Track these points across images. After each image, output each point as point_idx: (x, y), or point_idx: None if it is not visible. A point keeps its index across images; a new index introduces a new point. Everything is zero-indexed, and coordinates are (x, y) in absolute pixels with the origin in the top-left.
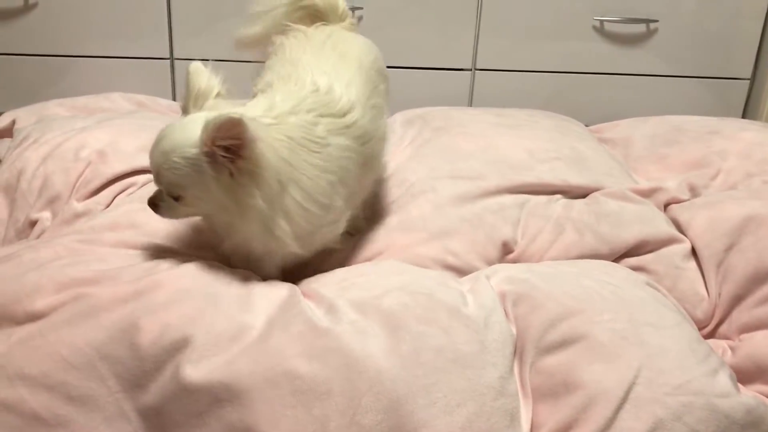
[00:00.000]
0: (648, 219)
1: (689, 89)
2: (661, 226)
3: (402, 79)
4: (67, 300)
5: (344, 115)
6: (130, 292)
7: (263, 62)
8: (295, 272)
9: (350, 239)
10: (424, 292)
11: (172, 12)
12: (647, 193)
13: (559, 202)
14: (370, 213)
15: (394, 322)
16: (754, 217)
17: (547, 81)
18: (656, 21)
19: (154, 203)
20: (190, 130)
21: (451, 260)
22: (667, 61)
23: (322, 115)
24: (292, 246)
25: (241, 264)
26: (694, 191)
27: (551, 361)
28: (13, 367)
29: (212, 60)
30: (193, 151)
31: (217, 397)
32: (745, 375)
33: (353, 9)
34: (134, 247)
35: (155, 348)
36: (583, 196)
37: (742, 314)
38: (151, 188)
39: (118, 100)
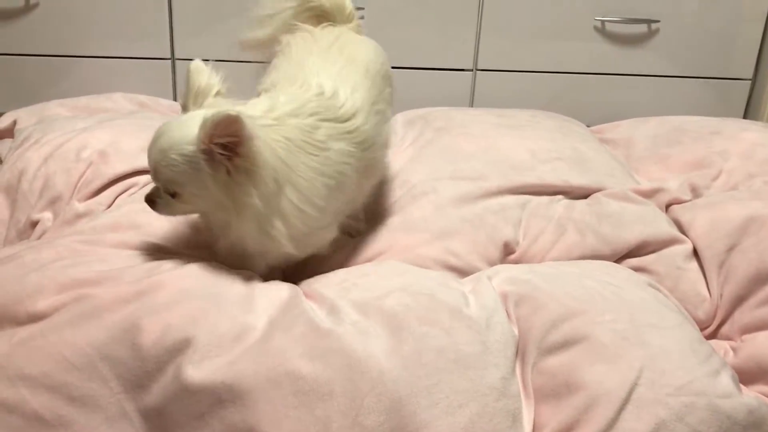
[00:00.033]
0: (649, 220)
1: (690, 90)
2: (663, 227)
3: (403, 79)
4: (68, 300)
5: (346, 120)
6: (131, 293)
7: (265, 63)
8: (296, 273)
9: (351, 241)
10: (425, 293)
11: (174, 12)
12: (649, 194)
13: (561, 202)
14: (371, 214)
15: (395, 322)
16: (756, 217)
17: (549, 81)
18: (657, 21)
19: (151, 199)
20: (188, 128)
21: (452, 261)
22: (668, 61)
23: (323, 120)
24: (286, 246)
25: (236, 262)
26: (695, 192)
27: (553, 361)
28: (15, 367)
29: (213, 60)
30: (191, 148)
31: (219, 397)
32: (746, 376)
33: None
34: (136, 247)
35: (157, 348)
36: (585, 196)
37: (744, 315)
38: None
39: (119, 100)
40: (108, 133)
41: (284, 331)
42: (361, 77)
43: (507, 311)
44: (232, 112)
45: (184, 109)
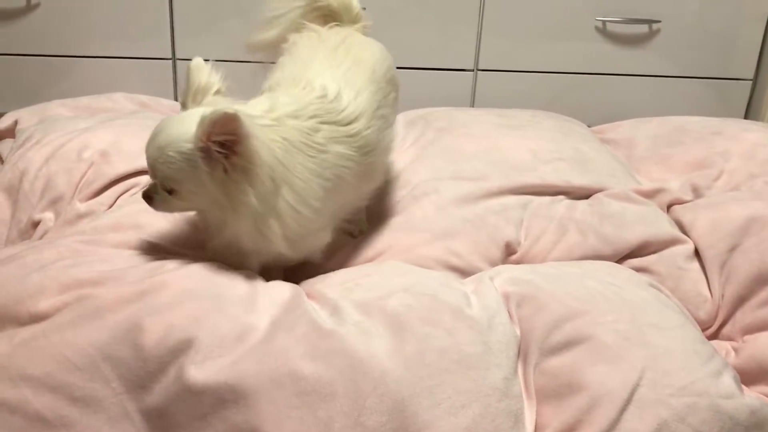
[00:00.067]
0: (651, 220)
1: (691, 90)
2: (664, 227)
3: (404, 79)
4: (70, 301)
5: (348, 124)
6: (134, 293)
7: (266, 63)
8: (298, 273)
9: (352, 240)
10: (428, 293)
11: (174, 12)
12: (650, 194)
13: (562, 203)
14: (373, 214)
15: (398, 323)
16: (758, 218)
17: (550, 81)
18: (659, 21)
19: (149, 196)
20: (186, 125)
21: (454, 261)
22: (669, 61)
23: (324, 123)
24: (281, 246)
25: (231, 260)
26: (696, 192)
27: (555, 362)
28: (17, 368)
29: (214, 60)
30: (188, 145)
31: (222, 398)
32: (748, 376)
33: None
34: (137, 247)
35: (159, 349)
36: (586, 197)
37: (746, 315)
38: None
39: (120, 100)
40: (109, 133)
41: (286, 332)
42: (366, 80)
43: (509, 312)
44: (230, 110)
45: (183, 106)
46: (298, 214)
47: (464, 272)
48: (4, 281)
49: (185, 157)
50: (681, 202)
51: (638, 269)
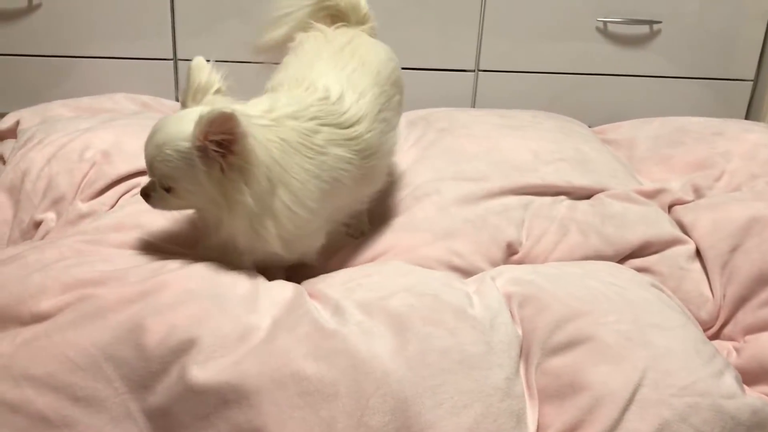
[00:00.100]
0: (652, 220)
1: (692, 90)
2: (666, 228)
3: (405, 80)
4: (72, 301)
5: (349, 127)
6: (136, 293)
7: (268, 63)
8: (299, 272)
9: (353, 241)
10: (430, 294)
11: (176, 13)
12: (651, 195)
13: (564, 203)
14: (374, 215)
15: (400, 323)
16: (759, 218)
17: (551, 82)
18: (659, 22)
19: (147, 193)
20: (184, 124)
21: (455, 261)
22: (670, 62)
23: (324, 124)
24: (275, 246)
25: (227, 258)
26: (698, 192)
27: (557, 362)
28: (19, 367)
29: (216, 60)
30: (186, 144)
31: (224, 398)
32: (750, 376)
33: None
34: (139, 248)
35: (161, 349)
36: (588, 197)
37: (747, 315)
38: None
39: (121, 100)
40: (111, 134)
41: (288, 331)
42: (370, 83)
43: (511, 312)
44: (227, 110)
45: (183, 105)
46: (293, 215)
47: (466, 272)
48: (5, 281)
49: (182, 156)
50: (682, 203)
51: (640, 269)
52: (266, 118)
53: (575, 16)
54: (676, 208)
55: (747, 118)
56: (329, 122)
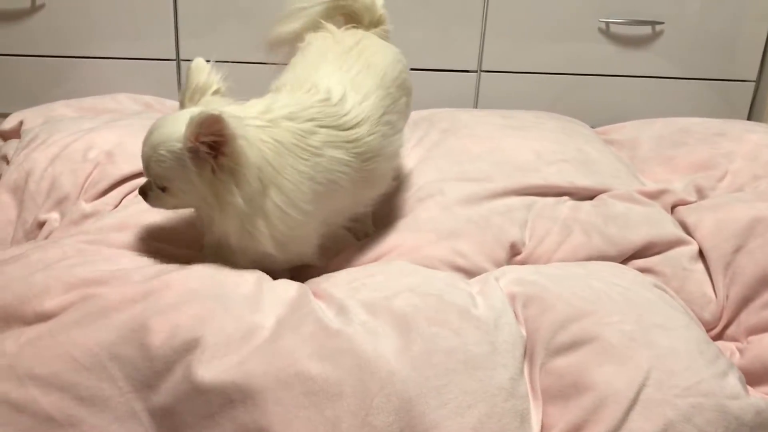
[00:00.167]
0: (655, 221)
1: (695, 91)
2: (668, 228)
3: None
4: (75, 300)
5: (348, 129)
6: (139, 293)
7: (269, 64)
8: (304, 272)
9: (357, 242)
10: (434, 294)
11: (179, 13)
12: (654, 195)
13: (567, 203)
14: (378, 216)
15: (405, 323)
16: (762, 218)
17: (553, 83)
18: (662, 23)
19: (144, 192)
20: (179, 125)
21: (459, 261)
22: (672, 62)
23: (322, 126)
24: (268, 246)
25: (223, 257)
26: (701, 193)
27: (561, 362)
28: (24, 367)
29: (218, 61)
30: (178, 145)
31: (229, 397)
32: (753, 377)
33: None
34: (142, 248)
35: (165, 348)
36: (590, 197)
37: (750, 316)
38: None
39: (124, 101)
40: (114, 134)
41: (293, 331)
42: (374, 85)
43: (515, 312)
44: (215, 112)
45: (181, 105)
46: (285, 215)
47: (469, 273)
48: (9, 281)
49: (175, 156)
50: (685, 203)
51: (643, 270)
52: (261, 119)
53: (577, 17)
54: (679, 208)
55: (749, 118)
56: (328, 124)
